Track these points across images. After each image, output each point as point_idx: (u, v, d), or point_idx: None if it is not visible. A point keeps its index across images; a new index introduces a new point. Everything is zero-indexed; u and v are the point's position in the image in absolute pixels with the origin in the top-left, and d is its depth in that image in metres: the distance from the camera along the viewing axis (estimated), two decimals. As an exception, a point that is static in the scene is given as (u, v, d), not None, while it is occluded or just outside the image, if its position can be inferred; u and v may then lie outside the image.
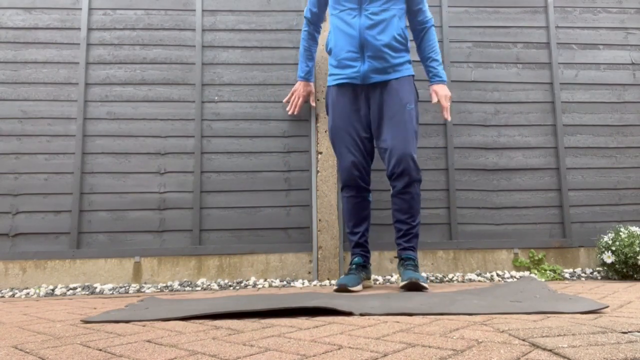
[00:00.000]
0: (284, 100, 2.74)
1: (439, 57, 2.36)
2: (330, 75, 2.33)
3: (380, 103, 2.22)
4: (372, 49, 2.19)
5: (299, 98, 2.65)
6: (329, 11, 2.38)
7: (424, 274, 2.65)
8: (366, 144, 2.27)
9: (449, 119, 2.36)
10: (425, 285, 2.03)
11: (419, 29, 2.37)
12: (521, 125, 2.91)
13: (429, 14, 2.36)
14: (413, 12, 2.34)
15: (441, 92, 2.32)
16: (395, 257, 2.32)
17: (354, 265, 2.25)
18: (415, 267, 2.15)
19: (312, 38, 2.51)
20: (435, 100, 2.34)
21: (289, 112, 2.70)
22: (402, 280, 2.08)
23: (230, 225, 2.69)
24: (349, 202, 2.30)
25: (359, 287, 2.15)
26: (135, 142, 2.74)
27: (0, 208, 2.62)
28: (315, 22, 2.49)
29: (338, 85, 2.28)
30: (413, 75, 2.29)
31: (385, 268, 2.68)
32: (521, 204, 2.83)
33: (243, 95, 2.83)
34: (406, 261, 2.17)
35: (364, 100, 2.25)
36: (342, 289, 2.06)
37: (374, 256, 2.58)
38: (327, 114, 2.37)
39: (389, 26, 2.21)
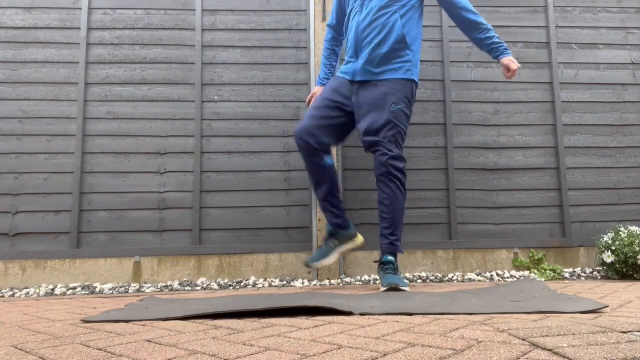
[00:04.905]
0: (307, 104, 2.60)
1: (497, 36, 2.29)
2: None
3: (365, 98, 2.18)
4: (363, 49, 2.19)
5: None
6: None
7: (424, 273, 2.65)
8: (330, 118, 2.22)
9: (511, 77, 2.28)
10: (406, 289, 1.98)
11: (464, 17, 2.30)
12: (521, 125, 2.91)
13: (479, 18, 2.30)
14: (455, 17, 2.33)
15: (515, 64, 2.25)
16: (375, 262, 2.25)
17: (326, 235, 2.33)
18: (395, 271, 2.09)
19: (334, 53, 2.49)
20: (514, 67, 2.24)
21: None
22: (382, 286, 2.02)
23: (230, 225, 2.69)
24: (306, 167, 2.30)
25: (326, 261, 2.25)
26: (135, 142, 2.74)
27: (0, 208, 2.62)
28: (337, 31, 2.46)
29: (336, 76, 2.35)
30: (412, 80, 2.20)
31: (385, 268, 2.68)
32: (521, 203, 2.83)
33: (243, 95, 2.83)
34: (386, 265, 2.10)
35: (351, 92, 2.23)
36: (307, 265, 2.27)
37: (373, 256, 2.57)
38: None
39: (387, 29, 2.16)
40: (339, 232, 2.28)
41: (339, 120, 2.24)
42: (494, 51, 2.28)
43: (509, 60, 2.25)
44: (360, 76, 2.20)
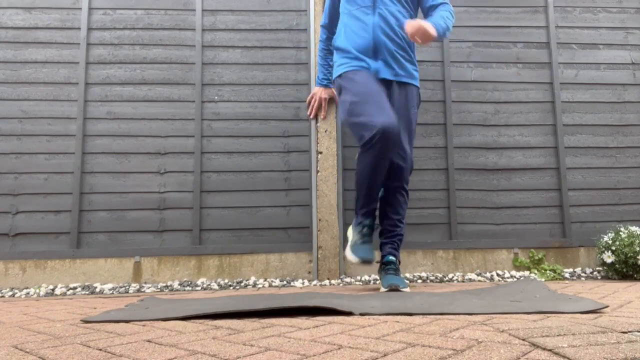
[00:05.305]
0: (307, 104, 2.74)
1: (444, 22, 2.10)
2: (340, 65, 2.23)
3: (391, 99, 2.16)
4: (384, 51, 2.15)
5: (316, 101, 2.65)
6: (340, 10, 2.33)
7: (424, 273, 2.65)
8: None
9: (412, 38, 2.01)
10: (407, 290, 1.99)
11: (429, 8, 2.24)
12: (521, 125, 2.91)
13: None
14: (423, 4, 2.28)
15: (421, 23, 1.97)
16: (377, 262, 2.23)
17: (366, 229, 2.13)
18: (396, 271, 2.12)
19: (330, 52, 2.46)
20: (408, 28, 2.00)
21: (311, 116, 2.71)
22: (383, 286, 2.03)
23: (230, 225, 2.69)
24: (373, 165, 2.02)
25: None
26: (135, 142, 2.74)
27: (0, 208, 2.62)
28: (330, 30, 2.45)
29: (351, 71, 2.18)
30: (419, 88, 2.30)
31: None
32: (521, 203, 2.83)
33: (243, 95, 2.83)
34: (387, 265, 2.13)
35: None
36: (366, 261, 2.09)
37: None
38: (340, 95, 2.24)
39: (402, 28, 2.18)
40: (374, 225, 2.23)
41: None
42: (430, 16, 2.16)
43: (419, 22, 1.97)
44: (385, 74, 2.16)
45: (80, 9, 2.82)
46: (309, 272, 2.65)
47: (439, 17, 2.14)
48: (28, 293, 2.39)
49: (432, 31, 1.98)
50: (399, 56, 2.18)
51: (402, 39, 2.18)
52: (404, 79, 2.21)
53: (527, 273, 2.64)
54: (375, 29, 2.17)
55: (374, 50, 2.17)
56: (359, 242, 2.15)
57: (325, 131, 2.71)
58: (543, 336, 0.97)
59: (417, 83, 2.27)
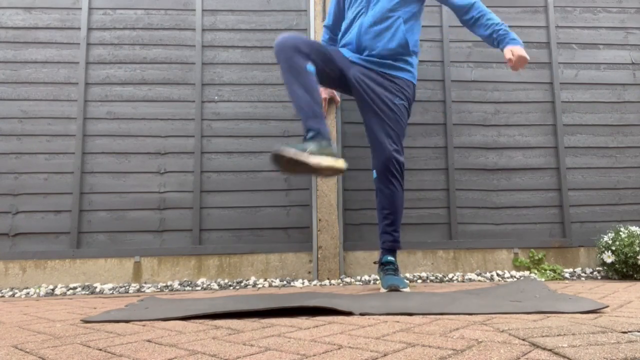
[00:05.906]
0: None
1: (505, 27, 2.13)
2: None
3: (371, 87, 2.13)
4: (368, 55, 2.15)
5: None
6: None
7: (424, 273, 2.65)
8: (328, 71, 2.08)
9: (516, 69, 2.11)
10: (407, 290, 1.98)
11: (465, 19, 2.22)
12: (521, 125, 2.91)
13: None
14: (450, 5, 2.25)
15: (516, 52, 2.06)
16: (375, 263, 2.24)
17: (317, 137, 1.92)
18: (396, 271, 2.10)
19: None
20: (509, 56, 2.07)
21: None
22: (383, 287, 2.02)
23: (230, 225, 2.69)
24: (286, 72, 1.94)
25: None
26: (135, 141, 2.74)
27: (0, 208, 2.62)
28: (333, 31, 2.45)
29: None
30: (413, 82, 2.21)
31: (385, 268, 2.68)
32: (521, 203, 2.83)
33: (243, 95, 2.83)
34: (386, 265, 2.11)
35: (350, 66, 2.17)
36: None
37: (373, 256, 2.58)
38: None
39: (393, 32, 2.15)
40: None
41: (332, 76, 2.13)
42: (494, 41, 2.14)
43: (509, 49, 2.08)
44: (362, 62, 2.16)
45: (80, 9, 2.82)
46: (309, 272, 2.65)
47: (497, 28, 2.12)
48: (28, 293, 2.39)
49: (525, 53, 2.07)
50: (378, 56, 2.15)
51: (384, 37, 2.14)
52: (389, 71, 2.15)
53: (527, 273, 2.64)
54: (360, 28, 2.16)
55: (357, 49, 2.18)
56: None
57: (325, 131, 2.70)
58: (543, 336, 0.97)
59: (406, 76, 2.18)
